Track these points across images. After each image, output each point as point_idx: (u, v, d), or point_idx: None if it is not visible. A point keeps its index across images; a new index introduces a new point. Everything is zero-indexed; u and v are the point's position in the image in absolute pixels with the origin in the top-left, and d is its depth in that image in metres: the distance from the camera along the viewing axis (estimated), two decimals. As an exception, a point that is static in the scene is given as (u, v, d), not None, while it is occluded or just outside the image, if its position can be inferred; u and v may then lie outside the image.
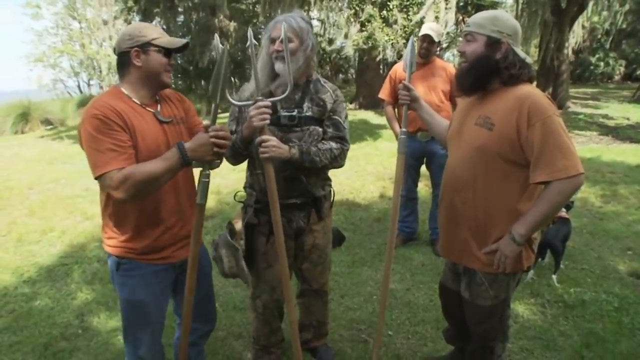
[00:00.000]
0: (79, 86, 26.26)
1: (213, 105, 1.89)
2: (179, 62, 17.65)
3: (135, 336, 2.14)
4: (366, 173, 7.78)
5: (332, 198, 2.60)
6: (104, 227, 2.05)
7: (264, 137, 2.06)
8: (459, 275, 2.30)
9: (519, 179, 1.95)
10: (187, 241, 2.13)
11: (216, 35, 2.19)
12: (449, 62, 4.52)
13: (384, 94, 4.37)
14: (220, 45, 1.90)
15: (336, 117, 2.38)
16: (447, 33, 14.94)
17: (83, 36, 25.00)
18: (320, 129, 2.37)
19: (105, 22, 23.39)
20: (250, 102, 2.06)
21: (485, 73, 1.98)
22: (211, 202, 6.24)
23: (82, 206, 6.28)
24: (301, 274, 2.65)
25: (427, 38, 4.03)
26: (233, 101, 2.08)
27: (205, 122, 2.29)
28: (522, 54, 1.98)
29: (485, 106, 2.02)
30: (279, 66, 2.22)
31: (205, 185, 1.93)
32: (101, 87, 24.75)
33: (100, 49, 24.06)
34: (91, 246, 4.78)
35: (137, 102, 1.95)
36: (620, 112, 16.07)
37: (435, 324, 3.21)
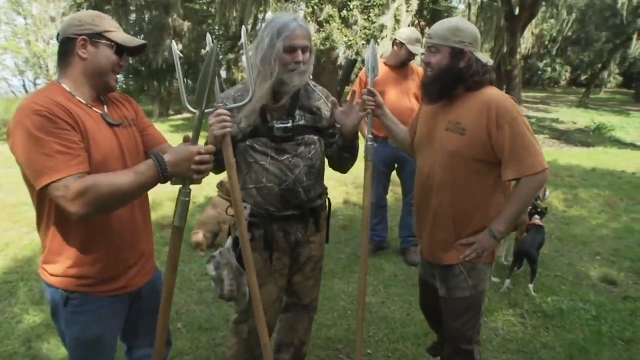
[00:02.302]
0: (24, 86, 24.94)
1: (198, 112, 1.64)
2: (131, 62, 17.01)
3: None
4: (327, 178, 7.38)
5: (328, 208, 2.44)
6: (46, 253, 1.70)
7: None
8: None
9: (492, 176, 2.04)
10: (142, 264, 1.86)
11: (208, 35, 1.95)
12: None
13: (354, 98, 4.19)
14: (211, 43, 1.70)
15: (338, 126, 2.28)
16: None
17: (29, 33, 23.64)
18: (315, 137, 2.20)
19: (52, 19, 22.38)
20: (210, 110, 1.84)
21: (451, 82, 2.05)
22: (168, 210, 5.91)
23: (29, 215, 5.79)
24: (290, 287, 2.42)
25: (404, 46, 3.91)
26: (190, 108, 1.82)
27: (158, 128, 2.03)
28: (484, 59, 2.05)
29: (452, 111, 2.08)
30: (298, 79, 2.04)
31: (185, 204, 1.66)
32: (48, 88, 23.61)
33: (47, 47, 22.88)
34: (39, 261, 4.37)
35: (82, 101, 1.65)
36: (570, 116, 16.65)
37: (416, 340, 3.06)
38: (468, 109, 2.02)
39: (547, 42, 28.51)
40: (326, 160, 2.36)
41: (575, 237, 4.96)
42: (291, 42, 1.98)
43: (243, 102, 1.90)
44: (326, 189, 2.40)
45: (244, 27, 2.03)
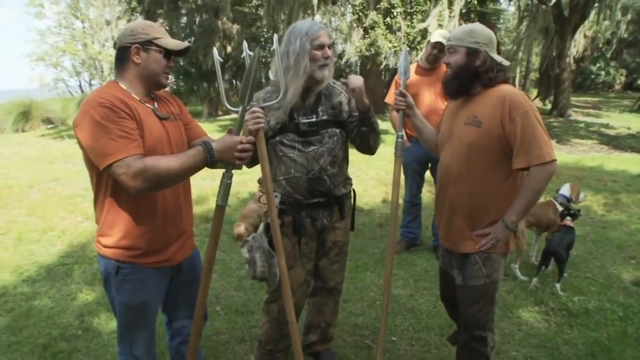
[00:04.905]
0: (80, 86, 26.15)
1: (240, 108, 1.90)
2: (182, 63, 17.63)
3: (133, 337, 2.09)
4: (368, 178, 7.78)
5: (353, 198, 2.63)
6: (101, 226, 1.96)
7: None
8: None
9: (507, 168, 2.18)
10: (183, 241, 2.11)
11: (244, 42, 2.20)
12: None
13: (390, 99, 4.35)
14: (250, 52, 1.95)
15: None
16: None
17: (85, 36, 24.82)
18: (338, 130, 2.42)
19: (108, 23, 23.40)
20: (239, 108, 2.07)
21: (468, 78, 2.24)
22: (212, 204, 6.22)
23: (83, 206, 6.25)
24: (317, 271, 2.63)
25: (438, 45, 4.04)
26: (228, 106, 2.09)
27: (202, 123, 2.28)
28: (498, 58, 2.23)
29: (471, 107, 2.26)
30: (325, 74, 2.30)
31: (227, 186, 1.92)
32: (103, 88, 24.52)
33: (102, 49, 23.97)
34: (91, 246, 4.74)
35: (136, 97, 1.92)
36: (621, 121, 16.07)
37: (440, 331, 3.19)
38: (484, 103, 2.20)
39: (600, 45, 27.57)
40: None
41: (610, 240, 4.93)
42: (319, 40, 2.24)
43: (274, 101, 2.12)
44: (350, 178, 2.60)
45: (275, 35, 2.26)
